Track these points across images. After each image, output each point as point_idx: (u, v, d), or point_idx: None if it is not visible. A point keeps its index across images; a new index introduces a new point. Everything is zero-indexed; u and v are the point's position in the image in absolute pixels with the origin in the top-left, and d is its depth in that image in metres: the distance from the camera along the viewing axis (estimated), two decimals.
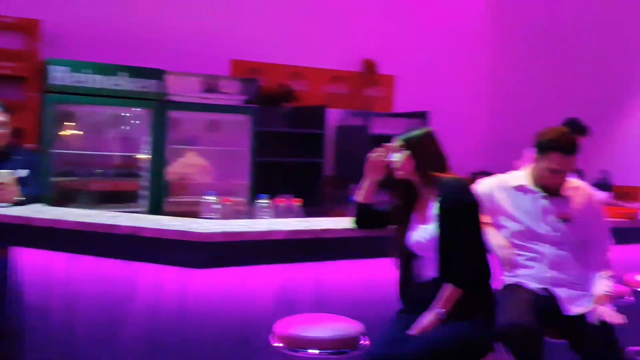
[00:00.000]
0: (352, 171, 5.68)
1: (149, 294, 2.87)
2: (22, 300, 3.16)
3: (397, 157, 2.67)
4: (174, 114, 4.93)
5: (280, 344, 2.46)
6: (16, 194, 3.26)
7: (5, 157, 3.52)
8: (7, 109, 3.58)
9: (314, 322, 2.53)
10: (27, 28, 4.80)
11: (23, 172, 3.42)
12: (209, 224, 2.85)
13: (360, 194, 2.86)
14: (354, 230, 2.89)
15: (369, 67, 6.18)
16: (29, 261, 3.12)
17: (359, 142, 5.68)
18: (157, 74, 4.86)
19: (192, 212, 3.55)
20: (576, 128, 4.46)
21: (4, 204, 3.18)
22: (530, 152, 4.65)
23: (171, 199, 4.91)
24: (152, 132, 4.83)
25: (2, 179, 3.21)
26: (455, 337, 2.44)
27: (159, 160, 4.86)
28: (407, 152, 2.65)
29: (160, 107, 4.86)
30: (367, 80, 6.24)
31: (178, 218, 3.03)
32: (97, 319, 2.96)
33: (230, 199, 3.57)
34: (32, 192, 3.38)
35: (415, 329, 2.46)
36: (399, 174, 2.68)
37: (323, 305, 2.96)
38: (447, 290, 2.47)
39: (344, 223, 3.00)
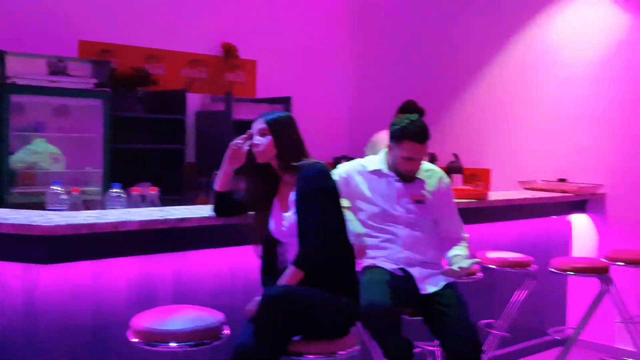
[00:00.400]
0: (214, 158, 5.57)
1: None
2: None
3: (260, 141, 2.63)
4: (16, 99, 4.56)
5: (137, 340, 2.35)
6: None
7: None
8: None
9: (173, 314, 2.44)
10: None
11: None
12: (54, 216, 2.65)
13: (218, 182, 2.79)
14: (213, 219, 2.82)
15: (229, 51, 6.07)
16: None
17: (220, 128, 5.57)
18: None
19: (39, 204, 3.30)
20: (412, 110, 4.66)
21: None
22: (380, 136, 4.82)
23: (15, 190, 4.55)
24: None
25: None
26: (323, 305, 2.44)
27: (0, 149, 4.48)
28: (269, 137, 2.61)
29: (0, 90, 4.47)
30: (228, 65, 6.14)
31: (21, 210, 2.81)
32: None
33: (80, 188, 3.36)
34: None
35: (251, 305, 2.47)
36: (261, 158, 2.65)
37: (183, 296, 2.88)
38: (289, 271, 2.48)
39: (203, 211, 2.92)
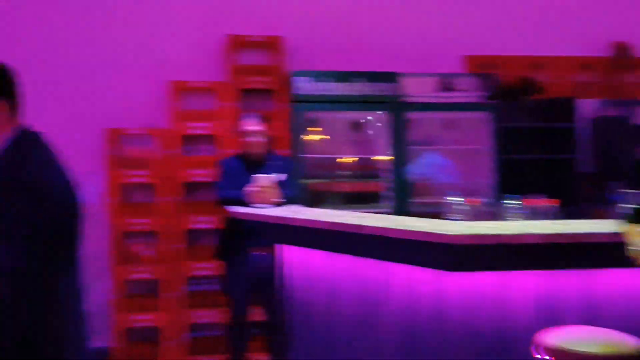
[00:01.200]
0: (611, 167, 5.11)
1: (402, 294, 2.83)
2: (286, 295, 3.36)
3: None
4: (410, 115, 4.91)
5: (547, 357, 2.22)
6: (276, 196, 3.49)
7: (262, 163, 3.80)
8: (263, 120, 3.86)
9: (586, 335, 2.25)
10: (272, 45, 5.10)
11: (282, 176, 3.63)
12: (457, 226, 2.70)
13: None
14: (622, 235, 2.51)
15: (622, 50, 5.54)
16: (291, 258, 3.32)
17: (619, 135, 5.10)
18: (391, 77, 4.90)
19: (436, 213, 3.44)
20: None
21: (266, 205, 3.44)
22: None
23: (414, 200, 4.88)
24: (391, 134, 4.86)
25: (264, 183, 3.46)
26: None
27: (399, 162, 4.87)
28: None
29: (397, 109, 4.87)
30: (621, 66, 5.60)
31: (423, 219, 2.94)
32: (353, 314, 3.01)
33: (476, 199, 3.39)
34: (289, 194, 3.62)
35: None
36: None
37: (592, 318, 2.63)
38: None
39: (610, 226, 2.63)
